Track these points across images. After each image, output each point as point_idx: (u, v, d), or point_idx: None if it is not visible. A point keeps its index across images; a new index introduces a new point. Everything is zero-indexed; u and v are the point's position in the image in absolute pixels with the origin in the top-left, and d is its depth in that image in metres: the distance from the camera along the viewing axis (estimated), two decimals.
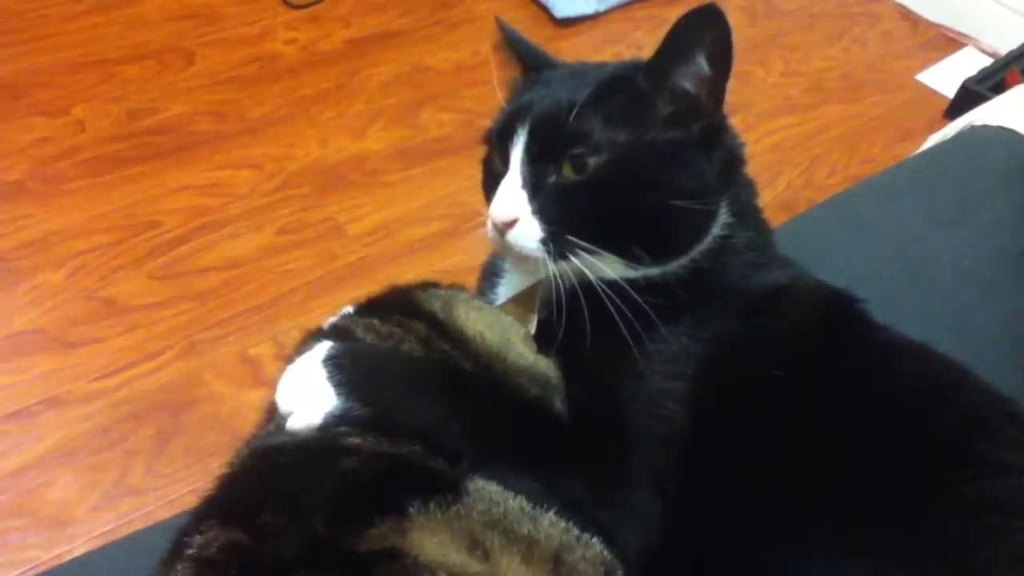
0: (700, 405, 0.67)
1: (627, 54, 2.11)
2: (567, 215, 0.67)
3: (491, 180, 0.75)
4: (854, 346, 0.74)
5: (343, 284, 1.55)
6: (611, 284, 0.67)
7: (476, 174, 1.92)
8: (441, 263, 1.60)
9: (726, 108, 0.73)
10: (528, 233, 0.68)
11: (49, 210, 1.60)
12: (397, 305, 0.76)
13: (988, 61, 2.16)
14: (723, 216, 0.72)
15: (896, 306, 0.77)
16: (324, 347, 0.66)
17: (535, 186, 0.68)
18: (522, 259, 0.70)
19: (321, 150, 1.76)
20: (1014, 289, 0.97)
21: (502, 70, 0.84)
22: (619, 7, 2.20)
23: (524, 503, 0.61)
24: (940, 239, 1.02)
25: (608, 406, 0.67)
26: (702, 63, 0.67)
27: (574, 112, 0.67)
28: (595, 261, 0.68)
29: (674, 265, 0.70)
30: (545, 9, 2.13)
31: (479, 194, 1.95)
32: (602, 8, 2.17)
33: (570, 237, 0.67)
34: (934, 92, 2.12)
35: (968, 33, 2.31)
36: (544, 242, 0.67)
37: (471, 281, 1.56)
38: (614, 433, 0.66)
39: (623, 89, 0.69)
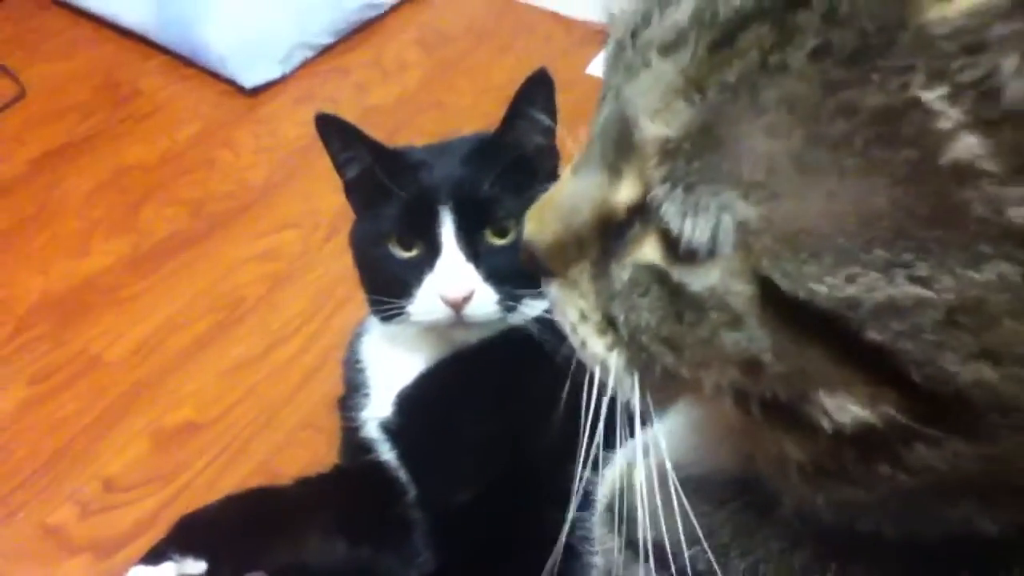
0: None
1: (328, 109, 2.09)
2: (509, 274, 0.78)
3: (402, 268, 0.81)
4: None
5: (125, 416, 1.40)
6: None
7: (227, 260, 1.81)
8: (223, 361, 1.50)
9: None
10: (485, 300, 0.77)
11: None
12: None
13: None
14: None
15: None
16: None
17: (475, 257, 0.78)
18: (468, 327, 0.78)
19: (45, 282, 1.58)
20: None
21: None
22: (303, 65, 2.19)
23: None
24: None
25: None
26: (543, 117, 0.81)
27: (487, 185, 0.78)
28: (533, 301, 0.80)
29: None
30: (231, 83, 2.07)
31: (237, 279, 1.85)
32: (288, 69, 2.14)
33: (517, 291, 0.78)
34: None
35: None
36: (500, 302, 0.78)
37: (266, 369, 1.48)
38: None
39: (499, 156, 0.81)
